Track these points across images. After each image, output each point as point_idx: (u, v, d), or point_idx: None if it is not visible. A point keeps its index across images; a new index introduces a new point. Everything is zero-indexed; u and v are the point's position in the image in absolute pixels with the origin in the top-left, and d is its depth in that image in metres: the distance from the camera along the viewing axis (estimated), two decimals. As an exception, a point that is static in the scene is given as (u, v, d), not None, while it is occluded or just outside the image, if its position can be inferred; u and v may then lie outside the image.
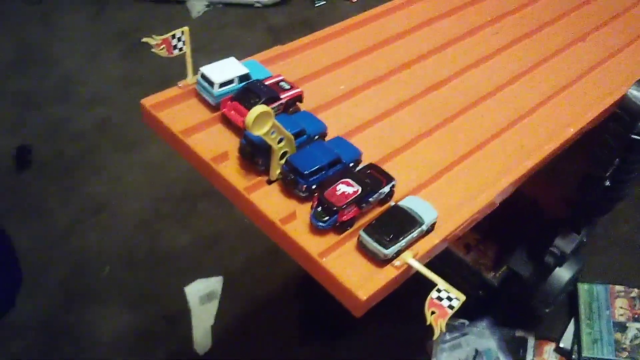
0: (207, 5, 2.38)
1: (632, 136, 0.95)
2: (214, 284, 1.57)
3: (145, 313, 1.53)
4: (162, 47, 0.78)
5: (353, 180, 0.71)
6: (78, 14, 2.42)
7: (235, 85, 0.80)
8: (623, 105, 0.92)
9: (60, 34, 2.34)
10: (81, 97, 2.10)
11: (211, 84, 0.79)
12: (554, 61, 1.02)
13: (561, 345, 1.37)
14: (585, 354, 1.32)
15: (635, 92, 0.91)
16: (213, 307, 1.53)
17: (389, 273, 0.66)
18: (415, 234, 0.69)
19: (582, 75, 0.99)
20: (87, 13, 2.42)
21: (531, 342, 1.38)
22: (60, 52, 2.26)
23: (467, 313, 1.41)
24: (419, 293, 0.65)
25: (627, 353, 1.32)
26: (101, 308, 1.54)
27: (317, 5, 2.39)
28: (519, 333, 1.39)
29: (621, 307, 1.39)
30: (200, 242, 1.66)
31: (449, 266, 1.35)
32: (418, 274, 0.66)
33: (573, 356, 1.34)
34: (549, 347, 1.38)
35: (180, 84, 0.83)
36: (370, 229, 0.68)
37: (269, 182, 0.75)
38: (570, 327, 1.39)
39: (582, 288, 1.42)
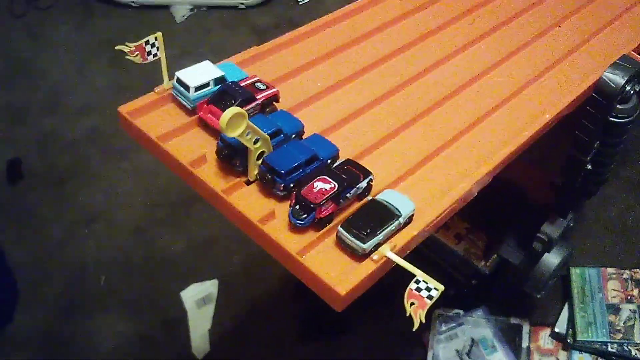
0: (191, 9, 2.38)
1: (610, 119, 0.95)
2: (210, 287, 1.57)
3: (143, 320, 1.53)
4: (136, 53, 0.78)
5: (330, 176, 0.71)
6: (63, 24, 2.42)
7: (211, 89, 0.81)
8: (599, 88, 0.92)
9: (46, 46, 2.33)
10: (70, 107, 2.09)
11: (187, 88, 0.80)
12: (530, 48, 1.02)
13: (556, 330, 1.37)
14: (579, 337, 1.33)
15: (610, 75, 0.91)
16: (210, 310, 1.53)
17: (368, 267, 0.67)
18: (392, 227, 0.69)
19: (558, 61, 0.99)
20: (72, 23, 2.42)
21: (526, 328, 1.38)
22: (47, 64, 2.25)
23: (462, 303, 1.41)
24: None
25: (621, 335, 1.32)
26: (100, 317, 1.54)
27: (300, 3, 2.38)
28: (514, 320, 1.39)
29: (614, 290, 1.39)
30: (195, 246, 1.66)
31: (441, 257, 1.35)
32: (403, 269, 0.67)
33: (568, 340, 1.35)
34: (545, 333, 1.38)
35: (157, 89, 0.83)
36: (347, 224, 0.69)
37: (248, 183, 0.75)
38: (565, 312, 1.39)
39: (575, 272, 1.42)
